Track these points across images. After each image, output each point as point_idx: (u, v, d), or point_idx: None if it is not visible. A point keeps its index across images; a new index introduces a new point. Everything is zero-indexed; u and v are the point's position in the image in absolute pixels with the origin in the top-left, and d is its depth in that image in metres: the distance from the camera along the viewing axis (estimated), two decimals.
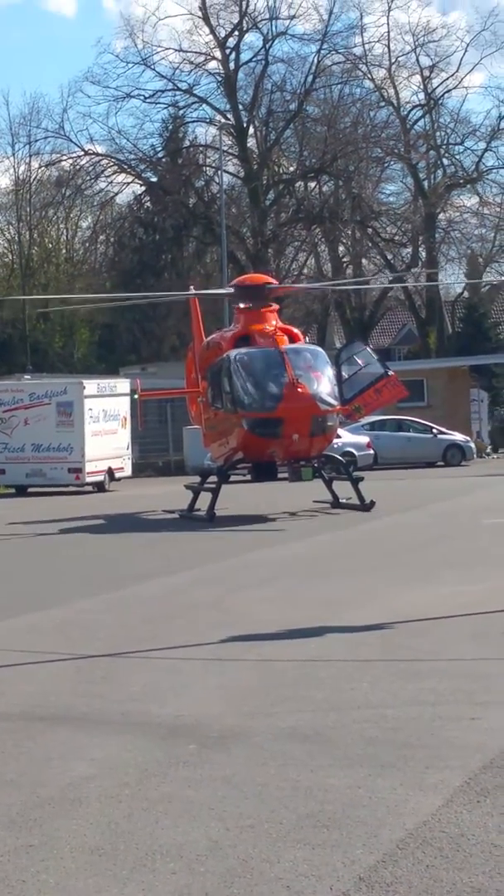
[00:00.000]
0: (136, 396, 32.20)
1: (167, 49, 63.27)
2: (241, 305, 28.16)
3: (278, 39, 62.48)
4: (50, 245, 67.35)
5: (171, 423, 45.62)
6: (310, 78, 62.18)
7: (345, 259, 67.21)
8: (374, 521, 23.95)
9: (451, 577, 15.33)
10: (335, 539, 21.56)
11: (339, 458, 28.68)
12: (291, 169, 64.57)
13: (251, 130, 63.66)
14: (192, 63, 62.46)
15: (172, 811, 6.65)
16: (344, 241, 66.84)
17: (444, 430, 46.32)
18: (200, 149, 65.44)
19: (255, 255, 59.51)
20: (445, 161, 66.88)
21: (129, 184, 63.90)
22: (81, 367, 58.32)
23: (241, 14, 61.71)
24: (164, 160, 64.27)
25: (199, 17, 62.12)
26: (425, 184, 65.44)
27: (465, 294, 70.83)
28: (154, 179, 63.96)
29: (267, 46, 62.08)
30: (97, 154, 62.87)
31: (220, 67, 62.51)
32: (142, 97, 62.54)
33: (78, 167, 62.61)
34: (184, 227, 63.13)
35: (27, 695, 9.63)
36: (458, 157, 66.61)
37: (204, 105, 63.79)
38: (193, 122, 64.93)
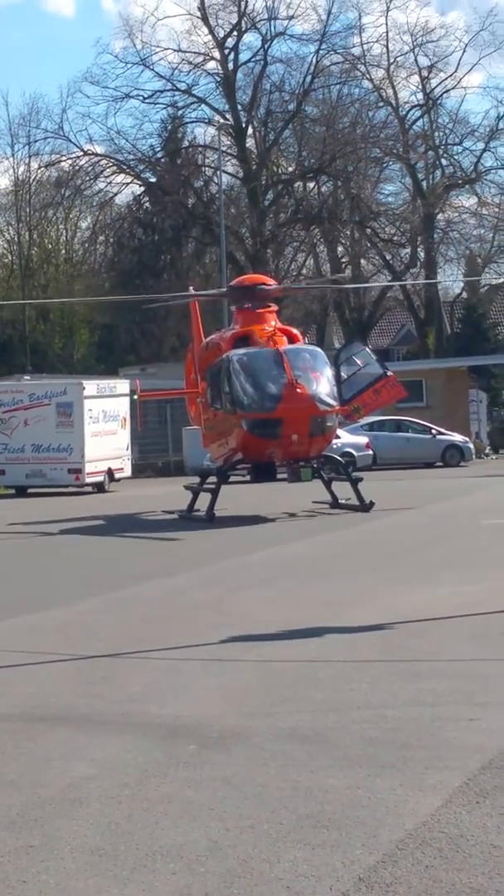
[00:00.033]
0: (135, 397, 32.21)
1: (166, 49, 63.37)
2: (241, 306, 28.18)
3: (277, 40, 62.57)
4: (49, 246, 67.39)
5: (171, 423, 45.63)
6: (308, 78, 62.22)
7: (344, 259, 67.22)
8: (374, 521, 23.96)
9: (450, 577, 15.34)
10: (334, 539, 21.57)
11: (339, 458, 28.69)
12: (290, 169, 64.58)
13: (250, 131, 63.69)
14: (190, 63, 62.54)
15: (172, 812, 6.66)
16: (343, 241, 66.86)
17: (442, 430, 46.32)
18: (199, 149, 65.47)
19: (254, 256, 59.52)
20: (444, 161, 66.91)
21: (128, 184, 63.98)
22: (81, 368, 58.35)
23: (240, 14, 61.74)
24: (163, 160, 64.27)
25: (198, 18, 62.19)
26: (424, 184, 65.43)
27: (464, 294, 70.85)
28: (153, 180, 63.97)
29: (266, 47, 62.16)
30: (96, 154, 62.90)
31: (219, 68, 62.52)
32: (141, 97, 62.61)
33: (77, 168, 62.64)
34: (183, 228, 63.15)
35: (27, 695, 9.64)
36: (456, 157, 66.68)
37: (203, 105, 63.87)
38: (192, 122, 65.02)
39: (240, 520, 24.97)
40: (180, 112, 64.12)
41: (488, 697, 8.93)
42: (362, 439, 42.48)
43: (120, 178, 63.43)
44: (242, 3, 61.49)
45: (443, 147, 66.86)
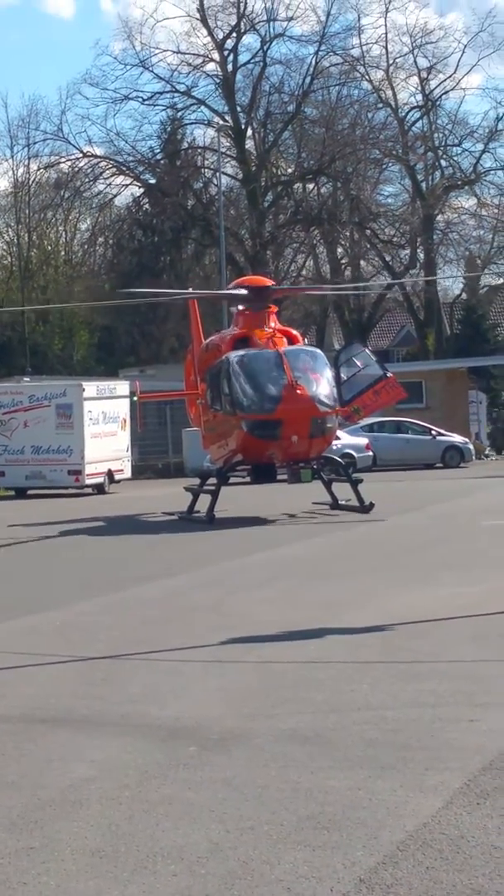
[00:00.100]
0: (135, 398, 32.20)
1: (165, 51, 63.38)
2: (240, 307, 28.18)
3: (276, 41, 62.64)
4: (49, 247, 67.41)
5: (171, 425, 45.63)
6: (308, 79, 62.28)
7: (343, 261, 67.25)
8: (374, 522, 23.96)
9: (450, 578, 15.34)
10: (334, 541, 21.57)
11: (339, 459, 28.68)
12: (290, 170, 64.60)
13: (249, 132, 63.73)
14: (190, 65, 62.59)
15: (173, 813, 6.66)
16: (342, 242, 66.90)
17: (442, 431, 46.34)
18: (199, 150, 65.52)
19: (254, 257, 59.53)
20: (443, 162, 66.97)
21: (127, 186, 64.05)
22: (81, 370, 58.38)
23: (239, 16, 61.77)
24: (162, 162, 64.30)
25: (197, 19, 62.23)
26: (423, 185, 65.48)
27: (464, 296, 70.88)
28: (152, 181, 64.01)
29: (265, 48, 62.23)
30: (96, 156, 62.94)
31: (219, 69, 62.55)
32: (140, 99, 62.65)
33: (76, 169, 62.67)
34: (182, 229, 63.17)
35: (27, 697, 9.64)
36: (455, 158, 66.73)
37: (202, 107, 63.91)
38: (192, 123, 65.09)
39: (240, 521, 24.97)
40: (180, 114, 64.21)
41: (489, 698, 8.93)
42: (362, 440, 42.49)
43: (119, 179, 63.57)
44: (241, 5, 61.61)
45: (442, 148, 66.92)
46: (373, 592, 14.42)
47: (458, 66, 65.07)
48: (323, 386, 25.78)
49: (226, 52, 62.49)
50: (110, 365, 58.11)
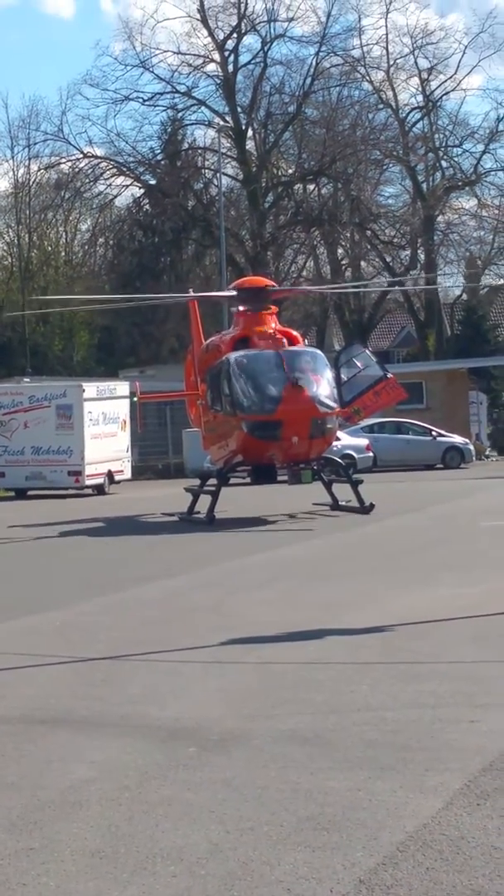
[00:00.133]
0: (135, 399, 32.17)
1: (166, 51, 63.41)
2: (241, 308, 28.18)
3: (277, 42, 62.70)
4: (49, 248, 67.41)
5: (171, 425, 45.63)
6: (308, 80, 62.34)
7: (343, 261, 67.27)
8: (374, 523, 23.96)
9: (450, 579, 15.34)
10: (334, 541, 21.57)
11: (339, 460, 28.68)
12: (290, 171, 64.64)
13: (250, 133, 63.76)
14: (190, 65, 62.63)
15: (172, 814, 6.65)
16: (343, 243, 66.93)
17: (442, 432, 46.34)
18: (199, 151, 65.54)
19: (254, 258, 59.55)
20: (444, 163, 67.04)
21: (128, 186, 64.09)
22: (81, 370, 58.38)
23: (240, 16, 61.80)
24: (162, 163, 64.32)
25: (198, 20, 62.27)
26: (424, 186, 65.53)
27: (464, 296, 70.90)
28: (153, 182, 64.03)
29: (265, 49, 62.25)
30: (96, 157, 62.97)
31: (219, 70, 62.58)
32: (140, 100, 62.69)
33: (77, 170, 62.69)
34: (183, 230, 63.19)
35: (27, 698, 9.64)
36: (456, 159, 66.80)
37: (203, 107, 63.97)
38: (192, 124, 65.15)
39: (240, 522, 24.97)
40: (180, 114, 64.25)
41: (489, 699, 8.92)
42: (362, 441, 42.49)
43: (120, 180, 63.61)
44: (242, 6, 61.64)
45: (443, 149, 66.97)
46: (373, 593, 14.41)
47: (458, 66, 65.25)
48: (323, 387, 25.78)
49: (226, 53, 62.54)
50: (110, 365, 58.10)
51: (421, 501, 28.98)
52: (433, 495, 31.13)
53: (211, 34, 62.33)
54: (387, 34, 64.68)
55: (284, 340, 26.80)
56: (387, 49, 64.51)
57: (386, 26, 65.20)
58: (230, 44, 62.56)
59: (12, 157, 63.20)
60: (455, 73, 65.05)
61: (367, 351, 29.77)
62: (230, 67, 62.32)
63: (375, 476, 36.67)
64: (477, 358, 59.02)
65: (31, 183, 64.62)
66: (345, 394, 26.73)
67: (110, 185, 63.63)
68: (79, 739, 8.30)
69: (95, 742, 8.19)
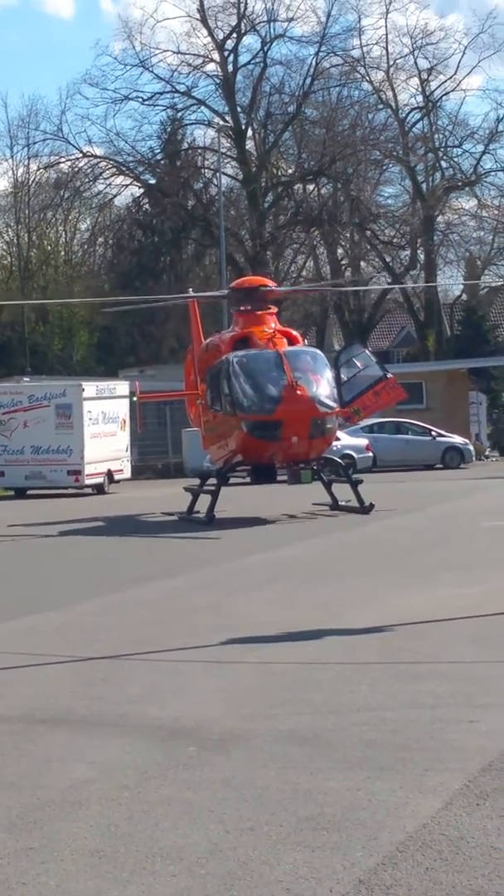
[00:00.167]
0: (135, 399, 32.18)
1: (165, 51, 63.36)
2: (240, 308, 28.18)
3: (276, 42, 62.65)
4: (49, 247, 67.43)
5: (171, 425, 45.61)
6: (308, 80, 62.30)
7: (343, 261, 67.26)
8: (373, 523, 23.96)
9: (449, 579, 15.34)
10: (334, 542, 21.57)
11: (339, 460, 28.68)
12: (290, 171, 64.63)
13: (249, 133, 63.74)
14: (190, 65, 62.59)
15: (172, 813, 6.66)
16: (342, 243, 66.91)
17: (442, 432, 46.33)
18: (199, 151, 65.53)
19: (254, 258, 59.54)
20: (444, 163, 67.00)
21: (127, 186, 64.06)
22: (80, 370, 58.38)
23: (240, 16, 61.77)
24: (162, 162, 64.31)
25: (198, 20, 62.23)
26: (424, 186, 65.50)
27: (464, 297, 70.90)
28: (152, 182, 64.01)
29: (265, 49, 62.23)
30: (95, 156, 62.95)
31: (219, 70, 62.55)
32: (140, 99, 62.64)
33: (76, 169, 62.67)
34: (182, 230, 63.18)
35: (27, 697, 9.64)
36: (456, 159, 66.75)
37: (202, 107, 63.92)
38: (192, 124, 65.11)
39: (239, 522, 24.97)
40: (180, 114, 64.22)
41: (488, 699, 8.93)
42: (362, 441, 42.47)
43: (119, 179, 63.59)
44: (242, 5, 61.62)
45: (442, 149, 66.94)
46: (372, 593, 14.42)
47: (458, 67, 65.18)
48: (323, 387, 25.78)
49: (226, 53, 62.52)
50: (110, 365, 58.11)
51: (420, 501, 28.98)
52: (433, 495, 31.13)
53: (210, 34, 62.35)
54: (386, 34, 64.74)
55: (284, 340, 26.80)
56: (386, 49, 64.58)
57: (386, 26, 65.24)
58: (230, 44, 62.62)
59: (12, 157, 63.36)
60: (455, 73, 65.11)
61: (366, 351, 29.78)
62: (230, 67, 62.32)
63: (375, 476, 36.66)
64: (477, 358, 59.00)
65: (30, 182, 64.70)
66: (345, 394, 26.73)
67: (110, 184, 63.72)
68: (78, 739, 8.31)
69: (95, 742, 8.20)
